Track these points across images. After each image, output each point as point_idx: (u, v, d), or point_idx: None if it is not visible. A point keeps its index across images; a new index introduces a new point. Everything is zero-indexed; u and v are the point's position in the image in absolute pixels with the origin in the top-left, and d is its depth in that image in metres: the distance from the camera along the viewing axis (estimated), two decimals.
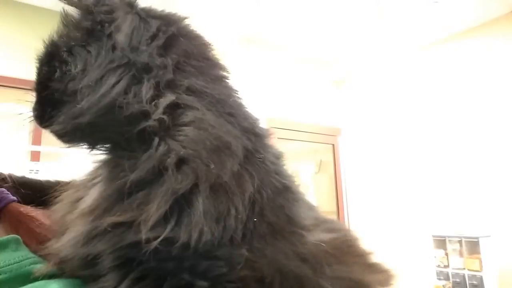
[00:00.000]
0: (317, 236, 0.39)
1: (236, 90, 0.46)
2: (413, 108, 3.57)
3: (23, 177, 0.56)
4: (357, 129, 4.11)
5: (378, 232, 3.67)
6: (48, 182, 0.56)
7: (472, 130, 3.13)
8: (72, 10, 0.44)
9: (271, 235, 0.36)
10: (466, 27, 3.21)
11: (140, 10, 0.45)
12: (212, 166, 0.35)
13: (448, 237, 3.00)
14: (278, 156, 0.44)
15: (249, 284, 0.33)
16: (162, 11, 0.46)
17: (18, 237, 0.41)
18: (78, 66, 0.40)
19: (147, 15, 0.44)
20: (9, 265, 0.37)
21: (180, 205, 0.33)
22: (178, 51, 0.43)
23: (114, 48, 0.40)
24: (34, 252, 0.41)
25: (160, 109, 0.38)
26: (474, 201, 3.06)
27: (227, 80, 0.47)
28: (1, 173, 0.52)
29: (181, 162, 0.35)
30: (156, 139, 0.37)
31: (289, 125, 3.77)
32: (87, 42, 0.41)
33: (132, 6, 0.45)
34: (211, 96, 0.41)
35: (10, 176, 0.54)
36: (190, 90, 0.40)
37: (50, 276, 0.37)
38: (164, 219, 0.33)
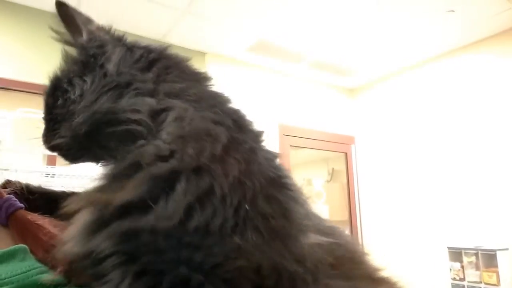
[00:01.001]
0: (313, 238, 0.38)
1: (221, 92, 0.50)
2: (428, 118, 3.53)
3: (39, 187, 0.58)
4: (371, 138, 4.07)
5: (392, 242, 3.61)
6: (63, 192, 0.58)
7: (489, 140, 3.07)
8: (70, 50, 0.52)
9: (268, 233, 0.35)
10: (481, 37, 3.16)
11: (128, 43, 0.52)
12: (191, 151, 0.37)
13: (464, 249, 2.94)
14: (274, 156, 0.46)
15: (246, 274, 0.33)
16: (147, 43, 0.53)
17: (26, 246, 0.42)
18: (77, 92, 0.47)
19: (133, 46, 0.51)
20: (16, 275, 0.38)
21: (160, 188, 0.35)
22: (159, 66, 0.48)
23: (105, 75, 0.47)
24: (40, 260, 0.41)
25: (145, 113, 0.42)
26: (491, 213, 2.98)
27: (209, 83, 0.51)
28: (13, 180, 0.53)
29: (162, 155, 0.38)
30: (142, 141, 0.41)
31: (302, 133, 3.76)
32: (83, 73, 0.48)
33: (120, 40, 0.52)
34: (193, 95, 0.45)
35: (28, 185, 0.56)
36: (172, 94, 0.45)
37: (55, 286, 0.37)
38: (142, 200, 0.34)
